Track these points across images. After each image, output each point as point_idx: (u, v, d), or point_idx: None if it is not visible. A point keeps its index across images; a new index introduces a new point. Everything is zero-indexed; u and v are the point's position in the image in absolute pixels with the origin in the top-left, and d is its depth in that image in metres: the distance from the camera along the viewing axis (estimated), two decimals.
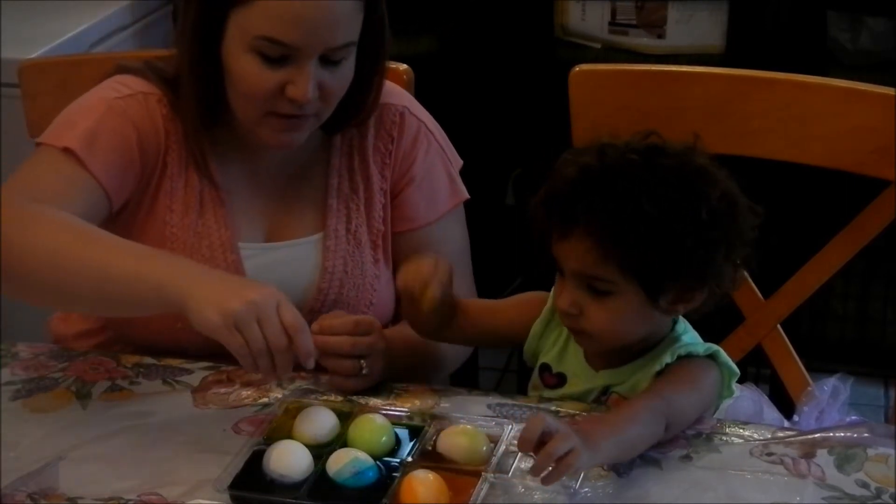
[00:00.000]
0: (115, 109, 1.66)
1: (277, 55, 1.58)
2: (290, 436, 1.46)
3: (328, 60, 1.60)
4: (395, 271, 1.80)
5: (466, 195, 1.83)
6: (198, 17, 1.61)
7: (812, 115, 1.80)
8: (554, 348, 1.60)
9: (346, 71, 1.64)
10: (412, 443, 1.47)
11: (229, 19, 1.59)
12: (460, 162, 1.84)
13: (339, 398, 1.57)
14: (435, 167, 1.80)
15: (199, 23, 1.61)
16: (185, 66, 1.64)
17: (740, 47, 2.75)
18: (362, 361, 1.57)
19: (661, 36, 2.81)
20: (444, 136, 1.83)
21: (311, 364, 1.45)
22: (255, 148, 1.71)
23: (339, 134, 1.75)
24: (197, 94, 1.65)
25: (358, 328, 1.59)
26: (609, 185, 1.43)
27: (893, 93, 1.76)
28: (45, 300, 1.61)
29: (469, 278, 1.85)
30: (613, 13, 2.84)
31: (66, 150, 1.62)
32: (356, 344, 1.57)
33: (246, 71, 1.59)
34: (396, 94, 1.80)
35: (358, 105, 1.71)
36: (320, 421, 1.48)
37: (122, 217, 1.69)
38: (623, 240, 1.41)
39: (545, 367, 1.60)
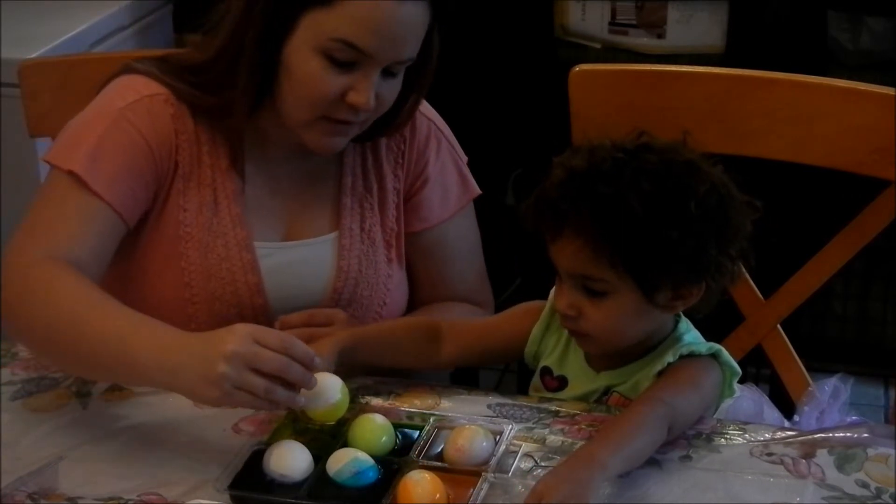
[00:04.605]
0: (120, 122, 1.64)
1: (347, 60, 1.57)
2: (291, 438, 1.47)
3: (388, 72, 1.60)
4: (408, 272, 1.81)
5: (478, 191, 1.84)
6: (267, 15, 1.59)
7: (812, 115, 1.80)
8: (555, 351, 1.60)
9: (398, 84, 1.64)
10: (412, 443, 1.47)
11: (301, 19, 1.57)
12: (465, 158, 1.85)
13: None
14: (447, 165, 1.81)
15: (269, 20, 1.59)
16: (246, 61, 1.61)
17: (740, 47, 2.75)
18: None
19: (661, 36, 2.81)
20: (450, 132, 1.83)
21: (319, 363, 1.43)
22: (274, 146, 1.71)
23: None
24: (250, 90, 1.63)
25: (314, 319, 1.61)
26: (595, 184, 1.43)
27: (893, 93, 1.75)
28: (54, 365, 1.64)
29: (482, 272, 1.87)
30: (613, 13, 2.84)
31: (72, 174, 1.61)
32: (313, 335, 1.56)
33: (311, 73, 1.58)
34: None
35: (390, 119, 1.70)
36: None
37: (138, 223, 1.68)
38: (612, 237, 1.42)
39: (546, 371, 1.60)
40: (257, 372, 1.38)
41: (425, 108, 1.80)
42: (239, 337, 1.39)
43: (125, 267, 1.68)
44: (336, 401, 1.46)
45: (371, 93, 1.58)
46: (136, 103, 1.66)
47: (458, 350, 1.64)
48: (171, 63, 1.69)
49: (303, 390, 1.42)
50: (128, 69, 1.70)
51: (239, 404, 1.42)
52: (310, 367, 1.41)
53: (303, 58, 1.58)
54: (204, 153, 1.68)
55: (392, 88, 1.63)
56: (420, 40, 1.61)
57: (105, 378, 1.59)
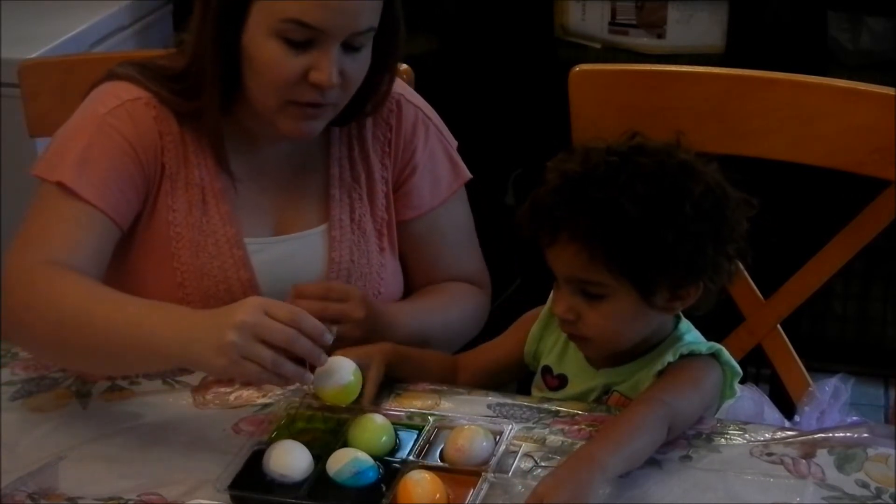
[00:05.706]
0: (103, 128, 1.65)
1: (303, 39, 1.57)
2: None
3: (350, 46, 1.59)
4: (402, 260, 1.81)
5: (469, 175, 1.84)
6: (220, 9, 1.59)
7: (812, 115, 1.80)
8: (554, 350, 1.60)
9: (365, 58, 1.63)
10: (412, 443, 1.47)
11: (252, 7, 1.58)
12: (455, 143, 1.85)
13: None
14: (436, 152, 1.81)
15: (222, 12, 1.59)
16: (209, 57, 1.62)
17: (740, 47, 2.75)
18: (332, 327, 1.52)
19: (661, 36, 2.81)
20: (438, 118, 1.83)
21: (329, 339, 1.44)
22: (258, 141, 1.71)
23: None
24: (219, 85, 1.63)
25: (330, 294, 1.60)
26: (590, 189, 1.43)
27: (893, 93, 1.75)
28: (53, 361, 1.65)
29: (478, 256, 1.86)
30: (613, 13, 2.84)
31: (60, 185, 1.61)
32: (326, 309, 1.56)
33: (270, 57, 1.58)
34: None
35: (367, 98, 1.70)
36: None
37: (129, 227, 1.68)
38: (608, 241, 1.42)
39: (546, 370, 1.61)
40: (266, 343, 1.39)
41: (411, 95, 1.80)
42: (249, 307, 1.41)
43: (119, 270, 1.69)
44: (347, 382, 1.46)
45: (332, 70, 1.57)
46: (117, 108, 1.66)
47: (470, 373, 1.65)
48: (153, 70, 1.69)
49: (316, 369, 1.43)
50: (110, 76, 1.71)
51: (247, 375, 1.42)
52: (319, 343, 1.42)
53: (260, 44, 1.59)
54: (190, 153, 1.69)
55: (358, 63, 1.62)
56: (377, 9, 1.60)
57: (117, 368, 1.59)
